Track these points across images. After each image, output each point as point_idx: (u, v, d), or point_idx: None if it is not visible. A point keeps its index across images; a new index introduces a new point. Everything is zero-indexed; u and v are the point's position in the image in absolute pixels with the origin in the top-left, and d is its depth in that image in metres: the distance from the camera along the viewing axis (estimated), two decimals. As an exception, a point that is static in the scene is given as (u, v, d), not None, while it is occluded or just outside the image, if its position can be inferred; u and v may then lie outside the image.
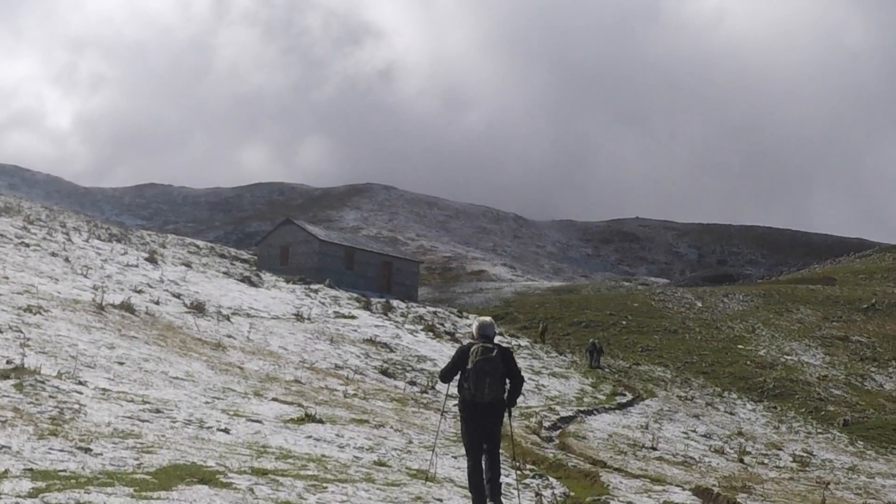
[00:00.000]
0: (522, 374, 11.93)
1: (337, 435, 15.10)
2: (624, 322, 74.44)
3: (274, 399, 17.59)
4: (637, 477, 17.69)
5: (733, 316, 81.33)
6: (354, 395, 21.76)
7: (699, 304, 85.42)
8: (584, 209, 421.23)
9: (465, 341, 13.74)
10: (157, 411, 13.83)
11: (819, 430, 46.35)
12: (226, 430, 13.68)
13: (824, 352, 69.58)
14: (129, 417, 12.94)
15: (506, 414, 11.64)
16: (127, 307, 25.51)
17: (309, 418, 15.76)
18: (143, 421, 12.94)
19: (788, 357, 66.40)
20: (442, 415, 15.96)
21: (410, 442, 16.29)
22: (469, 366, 11.26)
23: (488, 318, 12.12)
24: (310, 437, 14.49)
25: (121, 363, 17.27)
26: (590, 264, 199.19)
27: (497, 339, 12.51)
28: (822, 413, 52.04)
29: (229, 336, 27.66)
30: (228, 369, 20.20)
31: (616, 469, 18.89)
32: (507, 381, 11.55)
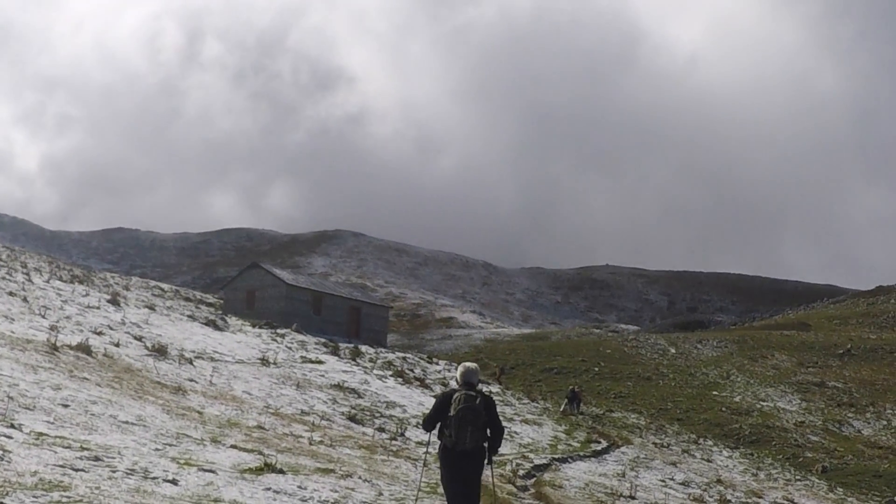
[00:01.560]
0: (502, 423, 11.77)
1: (299, 487, 13.59)
2: (596, 368, 73.59)
3: (233, 446, 16.15)
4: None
5: (707, 362, 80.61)
6: (321, 441, 20.57)
7: (672, 350, 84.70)
8: (554, 256, 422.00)
9: (445, 387, 12.93)
10: (97, 459, 12.33)
11: (797, 478, 45.53)
12: (173, 482, 12.18)
13: (800, 398, 68.92)
14: (62, 466, 11.46)
15: (486, 463, 11.59)
16: (84, 348, 24.27)
17: (269, 468, 14.24)
18: (78, 470, 11.45)
19: (764, 403, 65.66)
20: (423, 464, 15.21)
21: (381, 494, 14.86)
22: (451, 413, 11.19)
23: (473, 365, 11.93)
24: (268, 489, 13.01)
25: (65, 405, 15.77)
26: (559, 311, 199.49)
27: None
28: (800, 459, 51.30)
29: (191, 380, 26.45)
30: (186, 414, 18.83)
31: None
32: (488, 430, 11.47)
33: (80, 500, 9.93)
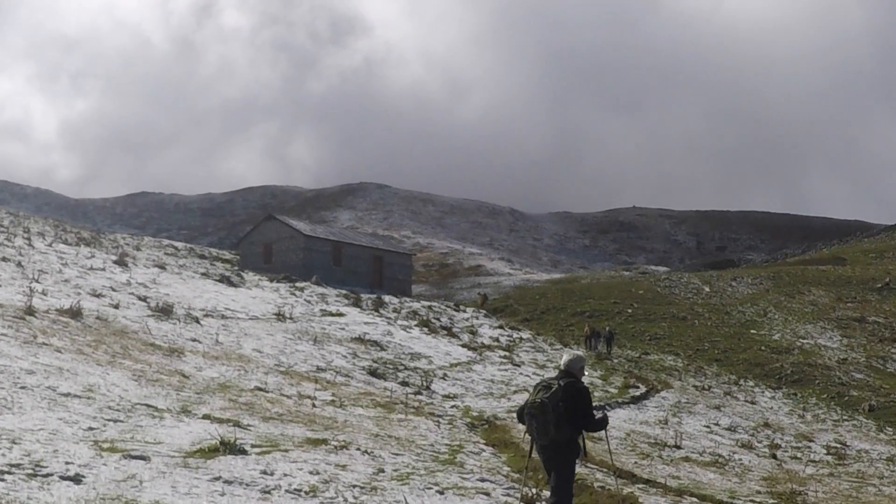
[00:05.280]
0: (591, 412, 11.03)
1: (264, 472, 10.98)
2: (629, 310, 71.44)
3: (205, 416, 13.75)
4: (679, 494, 14.57)
5: (743, 300, 78.29)
6: (331, 402, 18.58)
7: (707, 289, 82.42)
8: (581, 200, 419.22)
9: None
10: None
11: (845, 417, 43.43)
12: (75, 479, 9.27)
13: (841, 334, 66.59)
14: None
15: (579, 453, 11.16)
16: (72, 312, 22.37)
17: (226, 447, 11.42)
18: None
19: (804, 341, 63.39)
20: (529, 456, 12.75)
21: (380, 471, 12.32)
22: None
23: (577, 353, 11.59)
24: (216, 478, 10.24)
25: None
26: (588, 255, 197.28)
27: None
28: (846, 398, 49.10)
29: (194, 339, 24.53)
30: (163, 379, 16.66)
31: (647, 481, 15.80)
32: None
33: None
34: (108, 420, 12.42)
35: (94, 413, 12.66)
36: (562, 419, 10.58)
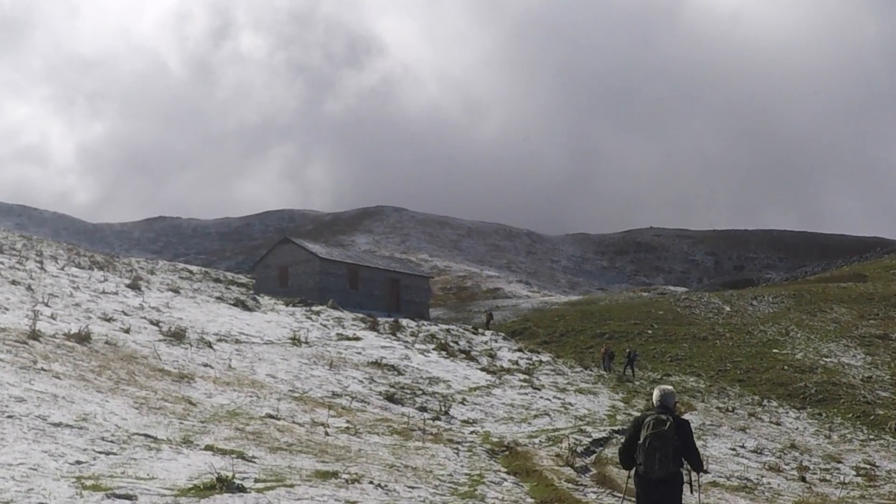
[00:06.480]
0: (696, 448, 11.25)
1: None
2: (650, 331, 70.84)
3: (208, 447, 12.84)
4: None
5: (764, 319, 77.56)
6: (346, 429, 17.91)
7: (727, 309, 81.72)
8: (598, 221, 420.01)
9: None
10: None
11: (871, 437, 42.67)
12: None
13: (864, 352, 65.81)
14: None
15: (686, 488, 11.22)
16: (80, 337, 21.74)
17: (223, 485, 10.31)
18: None
19: (828, 359, 62.63)
20: (624, 499, 13.18)
21: None
22: (640, 440, 10.89)
23: (669, 388, 11.54)
24: None
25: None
26: (606, 277, 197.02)
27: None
28: (872, 417, 48.38)
29: (206, 365, 23.88)
30: (167, 406, 15.91)
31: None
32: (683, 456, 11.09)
33: None
34: (100, 452, 11.55)
35: (85, 445, 11.79)
36: (677, 453, 10.82)
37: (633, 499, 12.09)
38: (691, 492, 11.55)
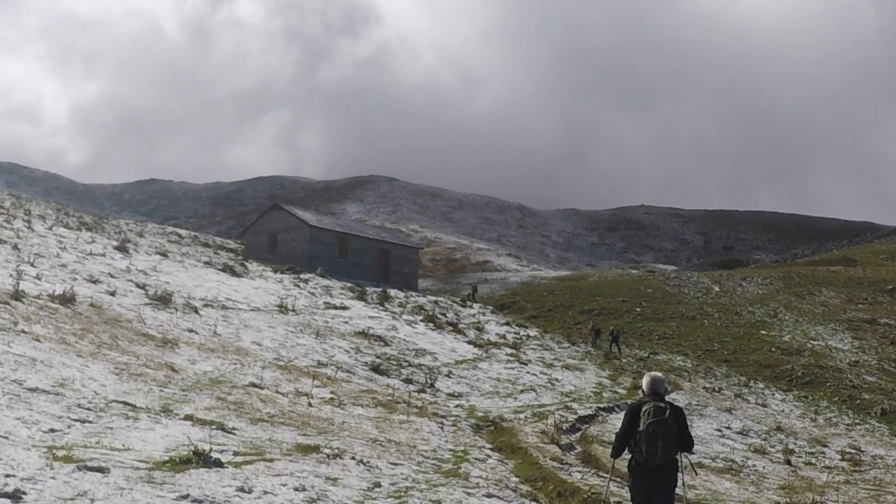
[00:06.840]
0: (691, 435, 11.24)
1: (241, 489, 9.48)
2: (638, 309, 70.58)
3: (187, 417, 12.52)
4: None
5: (753, 300, 77.40)
6: (330, 400, 17.70)
7: (716, 289, 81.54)
8: (589, 198, 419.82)
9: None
10: None
11: (857, 421, 42.61)
12: (13, 496, 7.75)
13: (852, 336, 65.68)
14: None
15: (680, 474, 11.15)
16: (64, 298, 21.50)
17: (200, 458, 9.92)
18: None
19: (815, 342, 62.50)
20: (610, 480, 13.17)
21: (376, 485, 11.12)
22: (640, 428, 10.79)
23: (659, 374, 11.47)
24: (185, 496, 8.75)
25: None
26: (595, 253, 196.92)
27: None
28: (858, 402, 48.21)
29: (191, 330, 23.66)
30: (148, 373, 15.60)
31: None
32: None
33: None
34: (75, 420, 11.18)
35: (61, 412, 11.41)
36: (676, 439, 10.78)
37: (619, 479, 11.80)
38: (682, 473, 11.35)
